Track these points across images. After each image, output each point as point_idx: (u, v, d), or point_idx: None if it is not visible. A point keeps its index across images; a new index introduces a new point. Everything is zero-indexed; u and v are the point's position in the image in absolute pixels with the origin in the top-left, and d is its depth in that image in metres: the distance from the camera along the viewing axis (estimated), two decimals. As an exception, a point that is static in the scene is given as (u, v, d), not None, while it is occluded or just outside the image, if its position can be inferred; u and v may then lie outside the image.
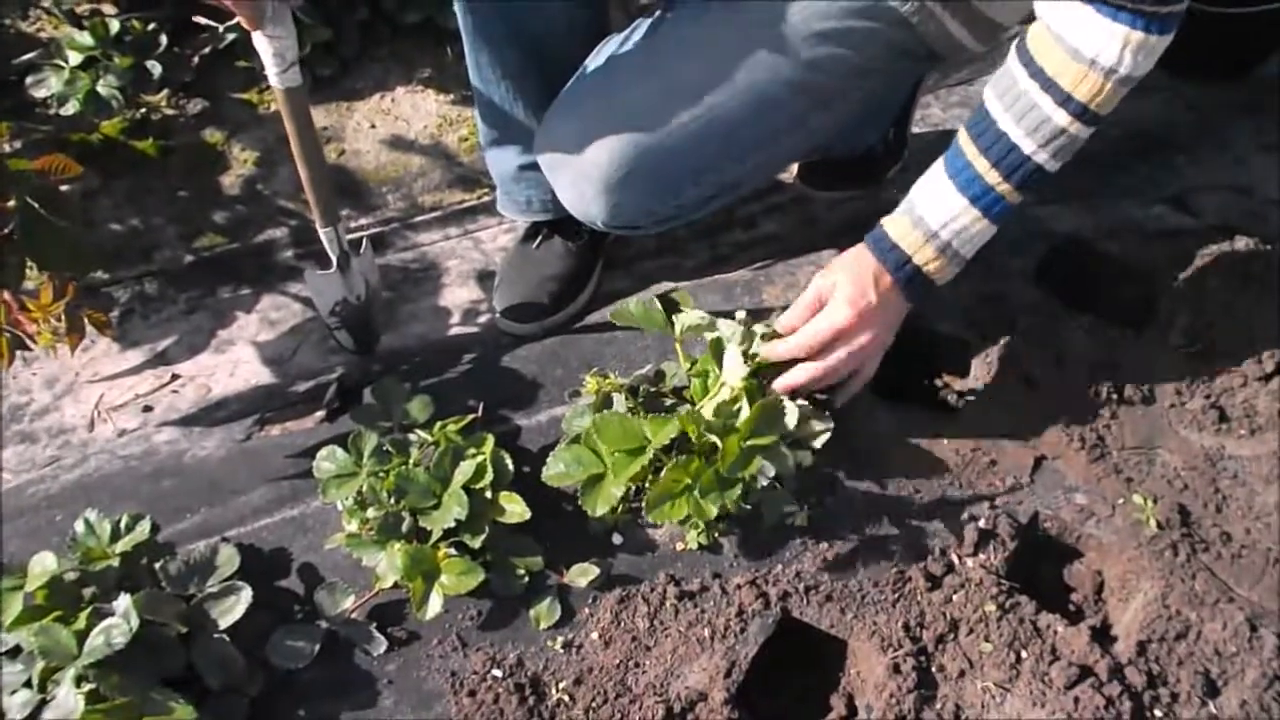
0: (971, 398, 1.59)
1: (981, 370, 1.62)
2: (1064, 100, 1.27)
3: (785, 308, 1.49)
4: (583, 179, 1.46)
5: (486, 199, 1.93)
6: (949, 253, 1.39)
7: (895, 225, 1.40)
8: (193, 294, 1.81)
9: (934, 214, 1.37)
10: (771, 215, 1.92)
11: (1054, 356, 1.61)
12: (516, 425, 1.58)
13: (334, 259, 1.52)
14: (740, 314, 1.46)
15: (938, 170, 1.39)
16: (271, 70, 1.32)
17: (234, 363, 1.71)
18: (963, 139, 1.36)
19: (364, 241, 1.57)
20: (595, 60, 1.51)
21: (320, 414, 1.60)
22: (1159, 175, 1.94)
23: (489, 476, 1.38)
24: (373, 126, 2.04)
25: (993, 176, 1.33)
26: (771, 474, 1.36)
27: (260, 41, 1.30)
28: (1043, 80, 1.27)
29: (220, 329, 1.75)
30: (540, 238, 1.75)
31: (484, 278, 1.81)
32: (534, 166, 1.59)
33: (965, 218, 1.36)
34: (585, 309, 1.76)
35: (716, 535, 1.43)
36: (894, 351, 1.59)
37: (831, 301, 1.41)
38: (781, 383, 1.41)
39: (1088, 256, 1.79)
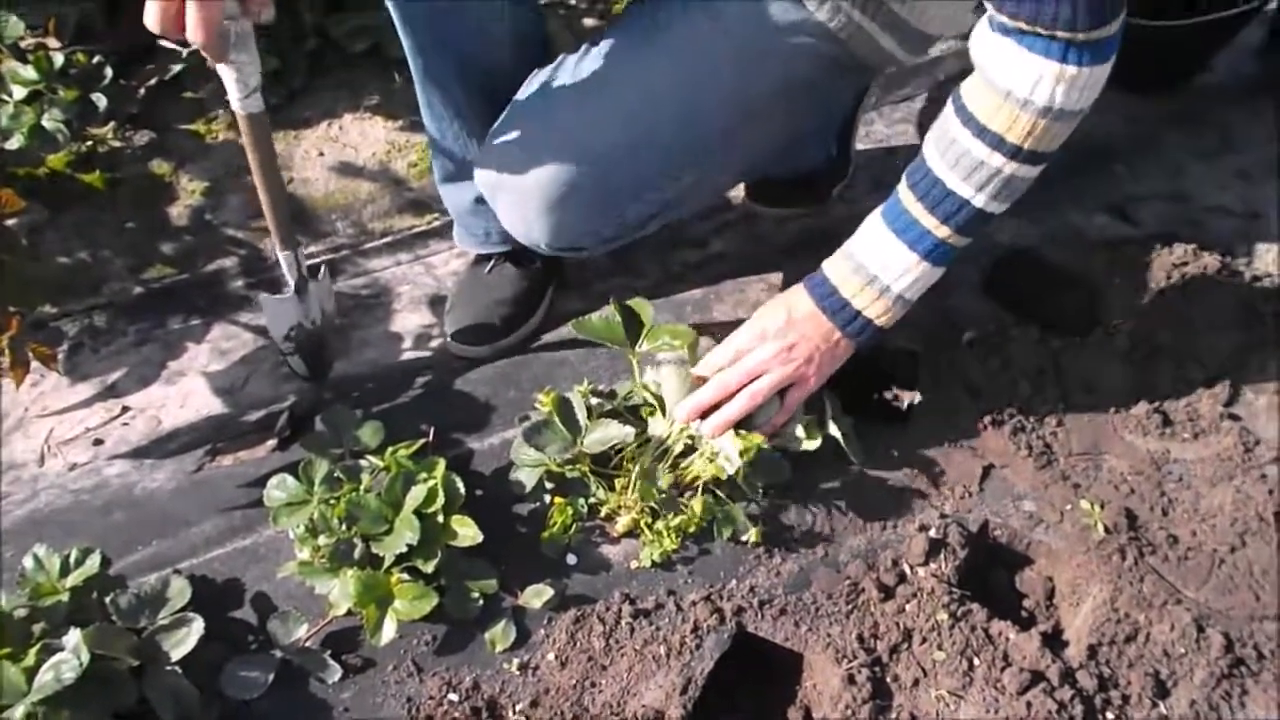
0: (920, 409, 1.59)
1: (930, 381, 1.63)
2: (997, 144, 1.27)
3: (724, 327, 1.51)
4: (523, 202, 1.47)
5: (437, 224, 1.93)
6: (901, 303, 1.42)
7: (846, 283, 1.42)
8: (142, 325, 1.79)
9: (887, 270, 1.39)
10: (721, 234, 1.93)
11: (1001, 366, 1.63)
12: (469, 449, 1.57)
13: (292, 283, 1.51)
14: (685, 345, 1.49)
15: (878, 225, 1.40)
16: (234, 97, 1.29)
17: (185, 394, 1.69)
18: (902, 190, 1.38)
19: (323, 268, 1.56)
20: (529, 88, 1.51)
21: (272, 443, 1.59)
22: (1100, 185, 1.97)
23: (440, 500, 1.38)
24: (321, 154, 2.04)
25: (937, 228, 1.35)
26: (736, 462, 1.40)
27: (223, 69, 1.27)
28: (975, 127, 1.28)
29: (170, 360, 1.73)
30: (493, 261, 1.75)
31: (436, 302, 1.81)
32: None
33: (917, 270, 1.38)
34: (538, 331, 1.76)
35: (671, 554, 1.43)
36: (844, 364, 1.61)
37: (760, 346, 1.44)
38: (709, 427, 1.44)
39: (1033, 266, 1.81)
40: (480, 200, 1.64)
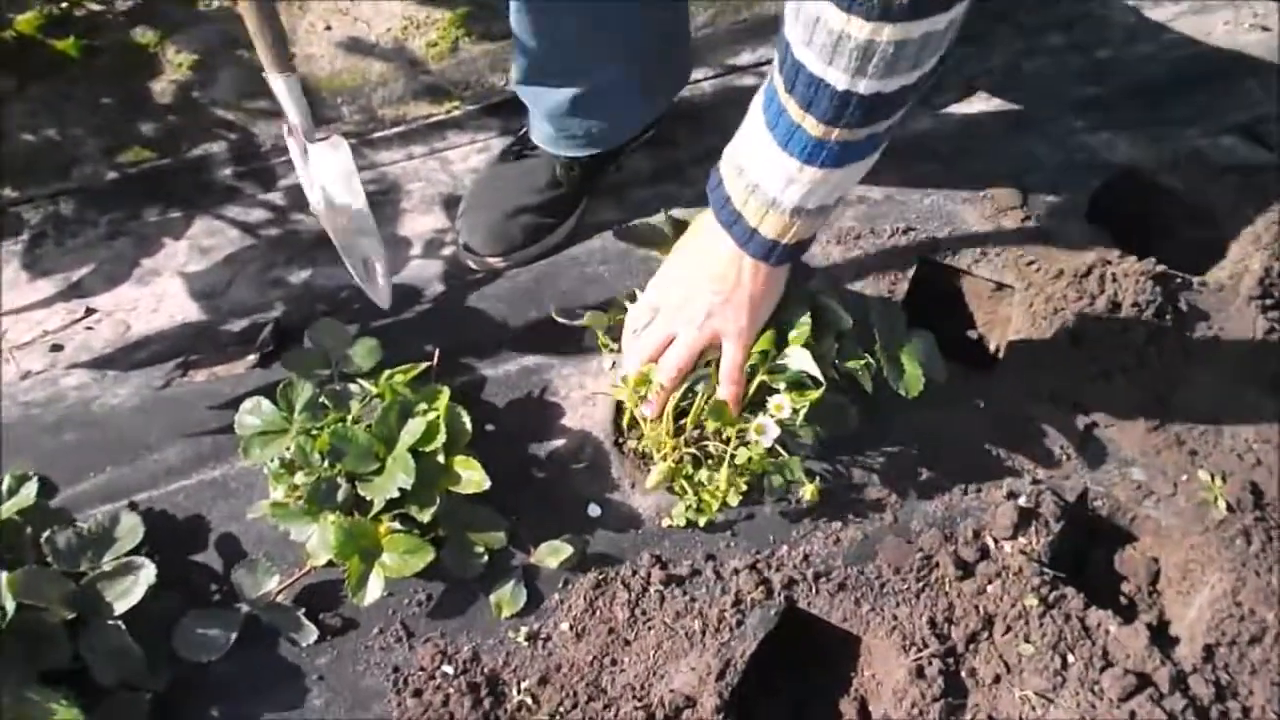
0: (1013, 354, 1.40)
1: (1025, 321, 1.43)
2: (848, 4, 0.84)
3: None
4: None
5: (456, 113, 1.70)
6: (802, 216, 1.05)
7: (735, 190, 1.08)
8: (115, 216, 1.58)
9: (767, 179, 1.04)
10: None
11: (1109, 306, 1.41)
12: (480, 376, 1.38)
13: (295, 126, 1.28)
14: None
15: (756, 114, 1.03)
16: None
17: (158, 296, 1.48)
18: (776, 76, 0.98)
19: (336, 139, 1.31)
20: None
21: (252, 358, 1.39)
22: (1227, 102, 1.72)
23: (442, 437, 1.18)
24: (328, 28, 1.80)
25: (815, 126, 0.96)
26: (774, 434, 1.17)
27: None
28: None
29: (144, 257, 1.53)
30: (521, 156, 1.52)
31: (450, 204, 1.58)
32: (588, 97, 1.40)
33: (803, 178, 1.01)
34: (566, 242, 1.54)
35: (713, 509, 1.23)
36: (923, 299, 1.44)
37: (672, 320, 1.19)
38: (650, 413, 1.24)
39: (1147, 192, 1.60)
40: (580, 99, 1.41)
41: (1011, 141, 1.63)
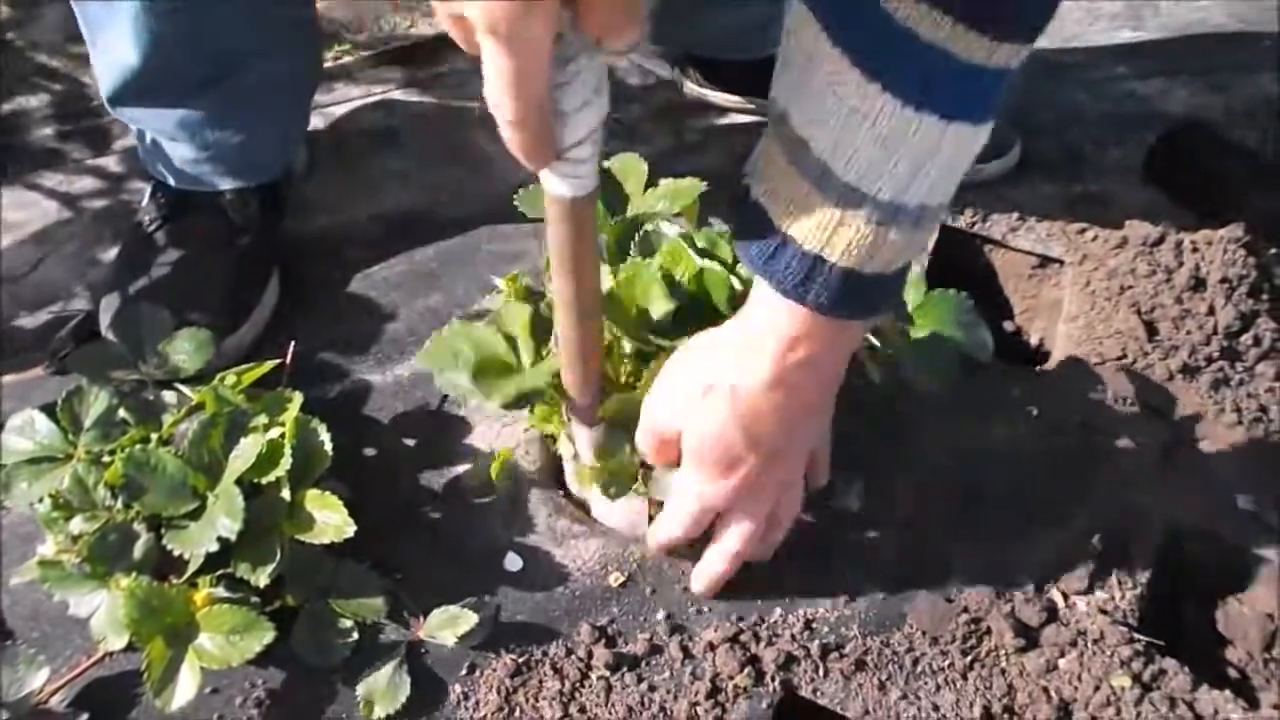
0: (1068, 345, 1.13)
1: (1081, 303, 1.14)
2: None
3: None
4: None
5: (345, 60, 1.43)
6: (902, 216, 0.67)
7: (790, 218, 0.69)
8: (-104, 182, 1.28)
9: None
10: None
11: (1190, 283, 1.13)
12: (360, 381, 1.06)
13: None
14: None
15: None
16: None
17: (-60, 279, 1.20)
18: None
19: None
20: None
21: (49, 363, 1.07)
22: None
23: (287, 462, 0.84)
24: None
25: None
26: None
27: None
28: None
29: (-72, 231, 1.24)
30: None
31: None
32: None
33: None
34: (485, 212, 1.24)
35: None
36: (941, 280, 1.13)
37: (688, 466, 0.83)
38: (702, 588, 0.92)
39: (1212, 147, 1.33)
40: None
41: (1043, 90, 1.39)
